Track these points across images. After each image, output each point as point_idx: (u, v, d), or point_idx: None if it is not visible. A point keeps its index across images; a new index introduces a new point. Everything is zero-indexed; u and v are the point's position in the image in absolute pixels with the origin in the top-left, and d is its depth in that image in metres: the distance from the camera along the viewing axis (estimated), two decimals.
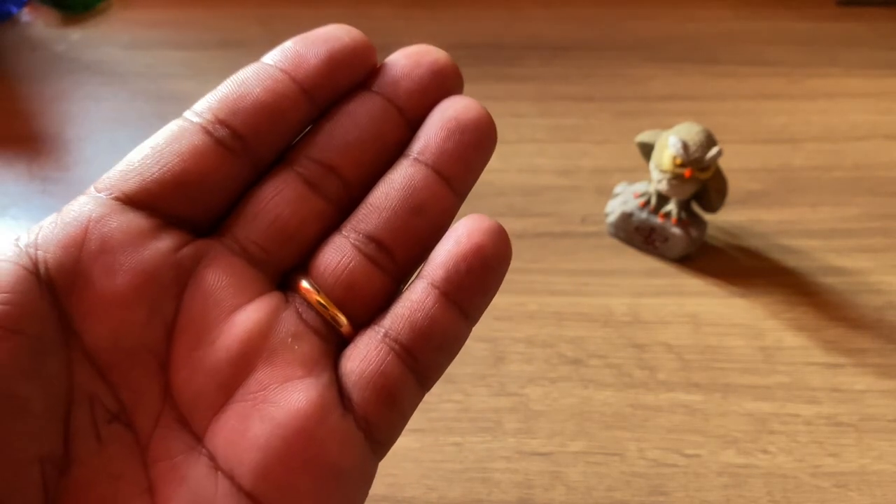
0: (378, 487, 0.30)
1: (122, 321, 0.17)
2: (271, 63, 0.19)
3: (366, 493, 0.18)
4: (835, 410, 0.33)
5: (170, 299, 0.18)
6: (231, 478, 0.16)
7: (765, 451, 0.32)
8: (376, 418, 0.17)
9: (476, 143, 0.19)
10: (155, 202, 0.18)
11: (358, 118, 0.19)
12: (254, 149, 0.19)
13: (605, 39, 0.59)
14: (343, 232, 0.19)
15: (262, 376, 0.17)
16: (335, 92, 0.19)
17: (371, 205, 0.19)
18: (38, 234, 0.17)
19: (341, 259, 0.18)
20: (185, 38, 0.59)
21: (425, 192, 0.18)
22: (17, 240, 0.17)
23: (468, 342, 0.35)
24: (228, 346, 0.17)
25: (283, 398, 0.17)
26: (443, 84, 0.19)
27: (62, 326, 0.17)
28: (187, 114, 0.19)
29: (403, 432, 0.32)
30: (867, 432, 0.32)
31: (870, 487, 0.30)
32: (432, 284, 0.18)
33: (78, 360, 0.17)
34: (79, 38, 0.59)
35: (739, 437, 0.32)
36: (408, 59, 0.20)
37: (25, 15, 0.62)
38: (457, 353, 0.19)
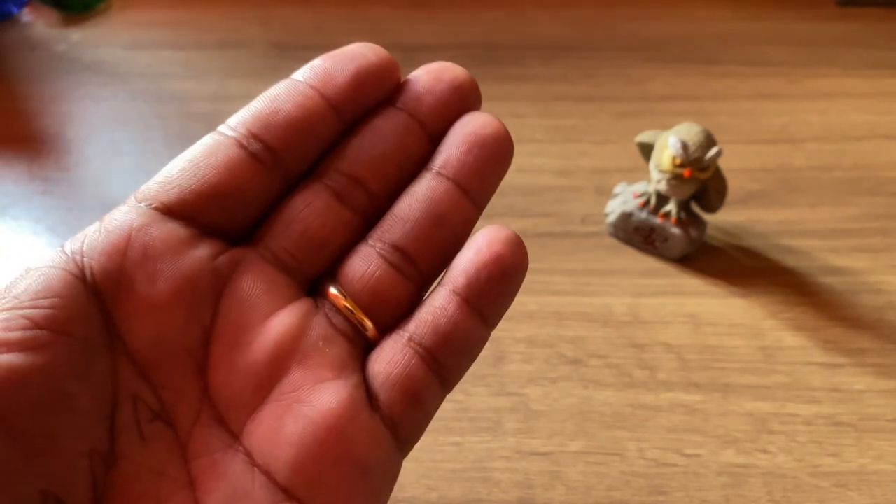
0: None
1: (164, 325, 0.18)
2: (302, 80, 0.20)
3: (391, 488, 0.19)
4: (834, 410, 0.33)
5: (208, 304, 0.19)
6: (267, 473, 0.18)
7: (764, 451, 0.32)
8: (402, 417, 0.18)
9: (494, 157, 0.20)
10: (192, 212, 0.19)
11: (383, 133, 0.20)
12: (285, 162, 0.19)
13: (605, 39, 0.59)
14: (369, 241, 0.20)
15: (295, 378, 0.18)
16: (362, 107, 0.20)
17: (396, 216, 0.20)
18: (83, 241, 0.18)
19: (368, 268, 0.19)
20: (185, 39, 0.59)
21: (447, 204, 0.20)
22: (64, 247, 0.18)
23: None
24: (263, 349, 0.18)
25: (316, 398, 0.18)
26: (462, 99, 0.20)
27: (107, 330, 0.18)
28: (222, 128, 0.19)
29: None
30: (867, 432, 0.32)
31: (869, 487, 0.30)
32: (454, 291, 0.19)
33: (121, 361, 0.18)
34: (79, 39, 0.59)
35: (739, 436, 0.32)
36: (429, 76, 0.21)
37: (26, 15, 0.62)
38: (477, 356, 0.20)
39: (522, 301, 0.38)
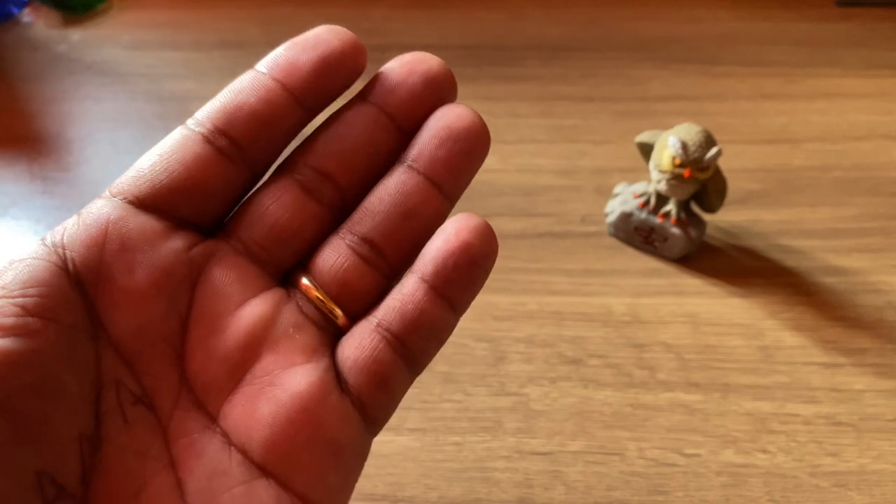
0: (378, 487, 0.30)
1: (143, 314, 0.19)
2: (265, 72, 0.20)
3: (361, 466, 0.20)
4: (834, 410, 0.33)
5: (184, 294, 0.19)
6: (243, 452, 0.18)
7: (764, 451, 0.32)
8: (370, 399, 0.19)
9: (467, 151, 0.20)
10: (165, 206, 0.19)
11: (353, 128, 0.20)
12: (251, 155, 0.20)
13: (605, 40, 0.59)
14: (340, 234, 0.20)
15: (267, 362, 0.19)
16: (328, 96, 0.20)
17: (366, 209, 0.20)
18: (62, 234, 0.19)
19: (337, 259, 0.20)
20: (185, 39, 0.59)
21: (417, 198, 0.20)
22: (44, 240, 0.19)
23: (468, 342, 0.36)
24: (237, 335, 0.19)
25: (287, 381, 0.19)
26: (436, 91, 0.20)
27: (90, 318, 0.18)
28: (190, 122, 0.20)
29: (404, 432, 0.32)
30: (866, 432, 0.32)
31: (869, 487, 0.30)
32: (422, 279, 0.19)
33: (104, 348, 0.18)
34: (79, 39, 0.59)
35: (739, 436, 0.32)
36: (402, 68, 0.21)
37: (26, 16, 0.62)
38: (444, 341, 0.20)
39: (522, 301, 0.38)
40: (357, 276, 0.20)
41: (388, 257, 0.20)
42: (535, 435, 0.32)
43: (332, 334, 0.20)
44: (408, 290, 0.19)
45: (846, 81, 0.54)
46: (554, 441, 0.32)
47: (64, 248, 0.18)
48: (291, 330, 0.19)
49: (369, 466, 0.31)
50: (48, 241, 0.18)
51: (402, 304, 0.19)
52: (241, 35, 0.59)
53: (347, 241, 0.20)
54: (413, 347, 0.19)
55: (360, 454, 0.20)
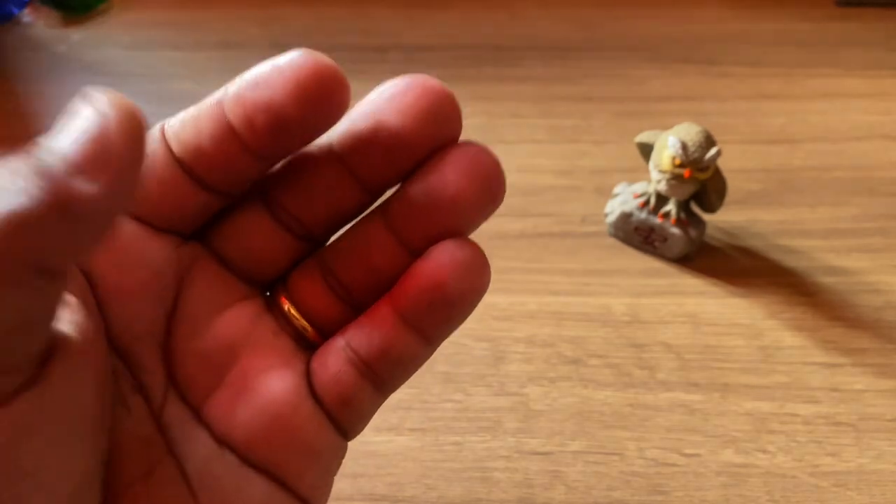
0: (378, 487, 0.30)
1: (134, 312, 0.19)
2: (229, 117, 0.18)
3: (339, 463, 0.20)
4: (834, 410, 0.33)
5: (170, 293, 0.19)
6: (228, 448, 0.19)
7: (764, 451, 0.32)
8: (337, 415, 0.19)
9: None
10: (144, 217, 0.19)
11: (318, 183, 0.19)
12: (220, 188, 0.19)
13: (605, 39, 0.59)
14: (313, 259, 0.20)
15: (246, 365, 0.19)
16: (287, 152, 0.19)
17: (336, 248, 0.20)
18: None
19: (308, 284, 0.20)
20: (185, 39, 0.59)
21: (382, 258, 0.19)
22: None
23: (468, 342, 0.36)
24: (218, 337, 0.20)
25: (264, 386, 0.19)
26: (406, 152, 0.18)
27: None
28: (167, 132, 0.19)
29: (404, 432, 0.32)
30: (866, 432, 0.32)
31: (869, 487, 0.30)
32: (395, 309, 0.19)
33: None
34: (80, 39, 0.59)
35: (738, 436, 0.32)
36: (373, 122, 0.18)
37: (26, 16, 0.62)
38: (416, 369, 0.20)
39: (522, 301, 0.38)
40: (326, 304, 0.20)
41: (355, 295, 0.20)
42: (535, 435, 0.32)
43: (307, 343, 0.20)
44: (379, 318, 0.19)
45: (846, 81, 0.54)
46: (554, 441, 0.32)
47: None
48: (270, 335, 0.20)
49: (369, 466, 0.31)
50: None
51: (371, 330, 0.19)
52: (241, 35, 0.59)
53: (319, 270, 0.20)
54: (380, 373, 0.19)
55: (338, 455, 0.20)
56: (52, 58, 0.57)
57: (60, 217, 0.13)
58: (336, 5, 0.62)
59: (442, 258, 0.18)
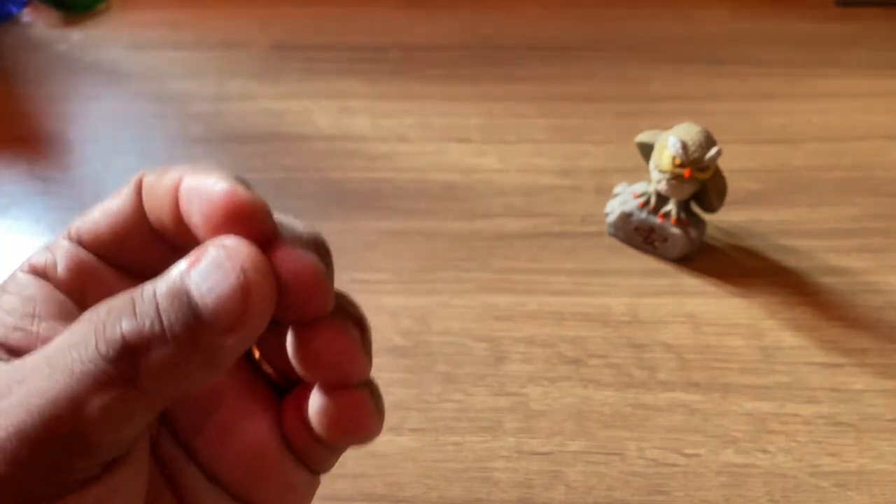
0: (378, 487, 0.30)
1: None
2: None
3: (314, 493, 0.21)
4: (834, 410, 0.33)
5: None
6: (217, 485, 0.20)
7: (764, 451, 0.32)
8: (304, 459, 0.21)
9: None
10: (121, 263, 0.20)
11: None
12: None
13: (605, 39, 0.59)
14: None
15: (228, 408, 0.20)
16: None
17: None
18: (44, 262, 0.20)
19: (273, 335, 0.20)
20: (185, 39, 0.59)
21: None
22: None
23: (468, 342, 0.36)
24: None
25: (245, 428, 0.20)
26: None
27: None
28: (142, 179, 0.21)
29: (404, 432, 0.32)
30: (866, 432, 0.32)
31: (869, 487, 0.30)
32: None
33: None
34: (79, 39, 0.59)
35: (739, 436, 0.32)
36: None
37: (26, 16, 0.62)
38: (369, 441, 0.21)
39: (522, 301, 0.38)
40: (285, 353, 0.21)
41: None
42: (535, 435, 0.32)
43: (280, 388, 0.21)
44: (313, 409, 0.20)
45: (846, 81, 0.54)
46: (554, 441, 0.32)
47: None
48: (249, 379, 0.21)
49: (369, 466, 0.31)
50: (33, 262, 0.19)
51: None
52: (241, 35, 0.59)
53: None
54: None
55: (311, 488, 0.21)
56: (52, 58, 0.57)
57: (204, 363, 0.16)
58: (336, 5, 0.62)
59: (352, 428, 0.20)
